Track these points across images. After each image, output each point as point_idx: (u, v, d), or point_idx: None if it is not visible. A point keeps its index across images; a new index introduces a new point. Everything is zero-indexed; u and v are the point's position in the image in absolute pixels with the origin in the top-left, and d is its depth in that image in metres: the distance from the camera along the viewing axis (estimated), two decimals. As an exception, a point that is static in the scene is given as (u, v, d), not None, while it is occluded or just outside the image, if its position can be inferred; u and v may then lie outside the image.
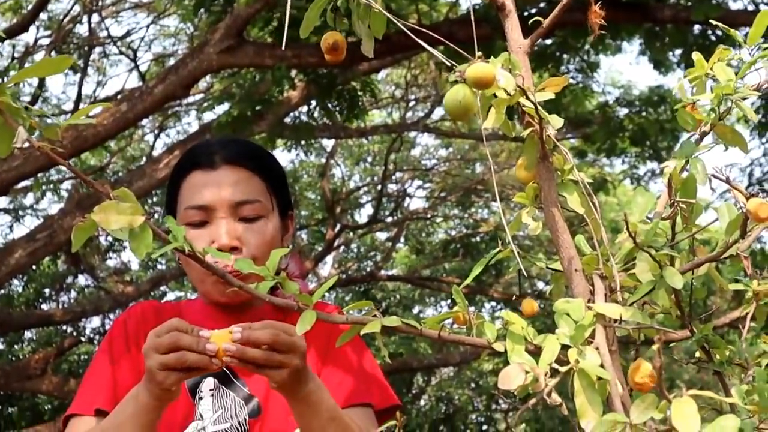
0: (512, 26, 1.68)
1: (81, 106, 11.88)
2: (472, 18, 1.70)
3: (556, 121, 1.63)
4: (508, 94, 1.55)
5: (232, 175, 2.20)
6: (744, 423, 1.67)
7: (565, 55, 9.95)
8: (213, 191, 2.18)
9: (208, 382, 2.17)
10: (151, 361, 1.80)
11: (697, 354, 1.97)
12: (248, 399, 2.16)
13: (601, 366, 1.46)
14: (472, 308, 1.68)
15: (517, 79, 1.55)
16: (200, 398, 2.16)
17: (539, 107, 1.56)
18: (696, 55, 1.83)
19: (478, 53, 1.52)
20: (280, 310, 2.20)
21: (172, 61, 12.88)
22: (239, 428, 2.13)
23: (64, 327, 14.90)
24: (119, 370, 2.16)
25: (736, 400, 1.57)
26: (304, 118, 11.09)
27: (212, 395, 2.16)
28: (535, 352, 1.55)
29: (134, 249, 1.43)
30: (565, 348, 1.51)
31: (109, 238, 14.63)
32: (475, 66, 1.52)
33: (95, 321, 14.93)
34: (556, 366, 1.47)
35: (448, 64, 1.55)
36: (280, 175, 2.31)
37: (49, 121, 1.42)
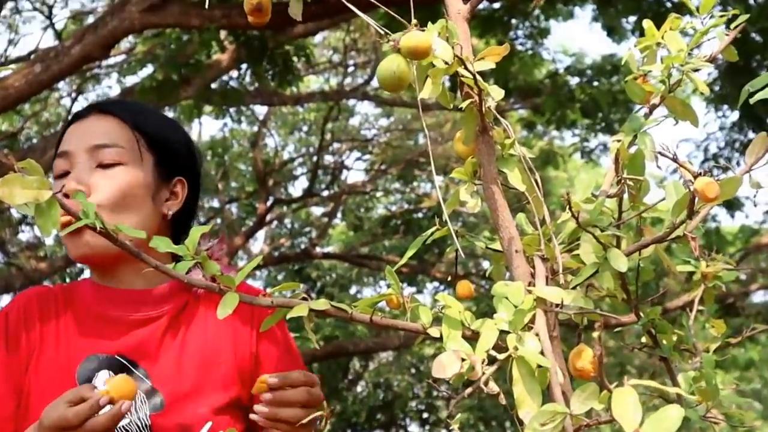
0: (451, -10, 1.68)
1: (-9, 67, 11.68)
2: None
3: (496, 93, 1.64)
4: (446, 64, 1.55)
5: (98, 122, 2.19)
6: (690, 412, 1.70)
7: (513, 20, 9.98)
8: (75, 137, 2.18)
9: (103, 375, 2.09)
10: (47, 421, 1.82)
11: (644, 339, 2.00)
12: (151, 393, 2.08)
13: (542, 353, 1.48)
14: (408, 290, 1.69)
15: (455, 48, 1.55)
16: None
17: (478, 78, 1.56)
18: (647, 23, 1.85)
19: (414, 21, 1.51)
20: (185, 289, 2.18)
21: (90, 19, 12.70)
22: (140, 424, 2.06)
23: (-28, 306, 14.70)
24: None
25: (681, 389, 1.59)
26: (234, 83, 11.02)
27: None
28: (473, 338, 1.55)
29: (41, 226, 1.41)
30: (504, 334, 1.52)
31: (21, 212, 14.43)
32: (410, 35, 1.52)
33: (5, 299, 14.74)
34: (494, 353, 1.48)
35: (382, 32, 1.54)
36: (168, 135, 2.26)
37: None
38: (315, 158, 16.04)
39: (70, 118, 2.26)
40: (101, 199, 2.10)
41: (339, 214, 17.78)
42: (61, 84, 13.07)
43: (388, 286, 1.69)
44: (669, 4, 8.54)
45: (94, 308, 2.14)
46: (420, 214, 16.24)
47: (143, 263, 1.55)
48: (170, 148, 2.25)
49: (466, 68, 1.56)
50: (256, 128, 16.28)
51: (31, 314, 2.14)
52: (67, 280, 13.85)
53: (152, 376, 2.10)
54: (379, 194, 17.93)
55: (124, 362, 2.09)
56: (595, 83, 11.29)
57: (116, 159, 2.15)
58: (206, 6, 1.94)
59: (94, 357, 2.06)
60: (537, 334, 1.51)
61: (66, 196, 1.95)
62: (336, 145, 16.80)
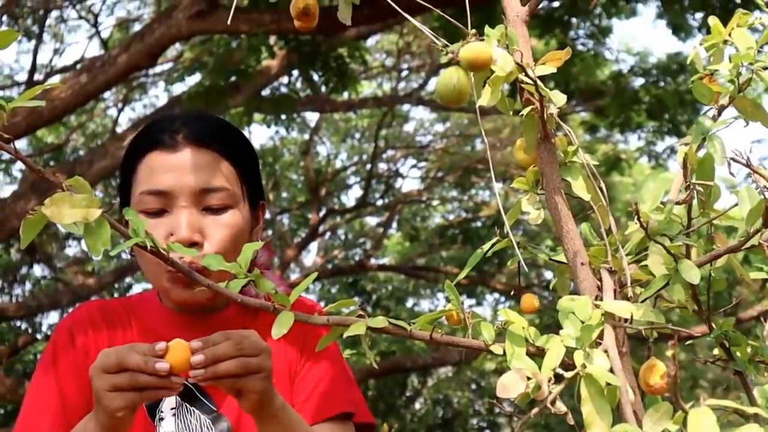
0: (509, -7, 1.68)
1: (36, 76, 11.83)
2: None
3: (558, 98, 1.63)
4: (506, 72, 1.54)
5: (197, 158, 2.12)
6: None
7: (574, 20, 9.94)
8: (174, 176, 2.10)
9: (169, 401, 2.10)
10: (99, 381, 1.77)
11: (717, 351, 1.98)
12: (217, 419, 2.10)
13: (611, 371, 1.47)
14: (468, 303, 1.68)
15: (515, 54, 1.55)
16: (161, 419, 2.11)
17: (539, 84, 1.56)
18: (713, 20, 1.83)
19: (472, 30, 1.51)
20: (249, 311, 2.18)
21: (137, 27, 12.84)
22: None
23: (18, 323, 14.88)
24: (66, 386, 2.10)
25: (760, 409, 1.57)
26: (284, 89, 11.06)
27: (174, 415, 2.11)
28: (538, 355, 1.55)
29: (90, 246, 1.42)
30: (570, 350, 1.51)
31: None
32: (469, 46, 1.51)
33: (53, 316, 14.92)
34: (560, 371, 1.47)
35: (439, 43, 1.54)
36: (251, 159, 2.24)
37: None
38: (369, 166, 16.06)
39: (146, 140, 2.18)
40: (219, 249, 2.08)
41: (394, 224, 17.79)
42: (106, 94, 13.22)
43: (447, 298, 1.69)
44: (738, 0, 8.45)
45: (161, 329, 2.13)
46: (478, 223, 16.20)
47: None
48: (255, 173, 2.24)
49: (526, 74, 1.55)
50: (307, 136, 16.34)
51: (98, 326, 2.16)
52: (116, 295, 13.98)
53: (217, 401, 2.12)
54: (435, 203, 17.92)
55: (190, 386, 2.10)
56: (661, 83, 11.20)
57: (226, 203, 2.12)
58: (256, 11, 1.95)
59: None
60: (606, 351, 1.49)
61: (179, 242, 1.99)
62: (390, 153, 16.81)
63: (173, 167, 2.11)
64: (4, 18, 11.92)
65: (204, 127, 2.17)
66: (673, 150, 13.27)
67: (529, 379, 1.45)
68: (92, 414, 1.85)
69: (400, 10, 1.62)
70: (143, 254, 1.74)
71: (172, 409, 2.11)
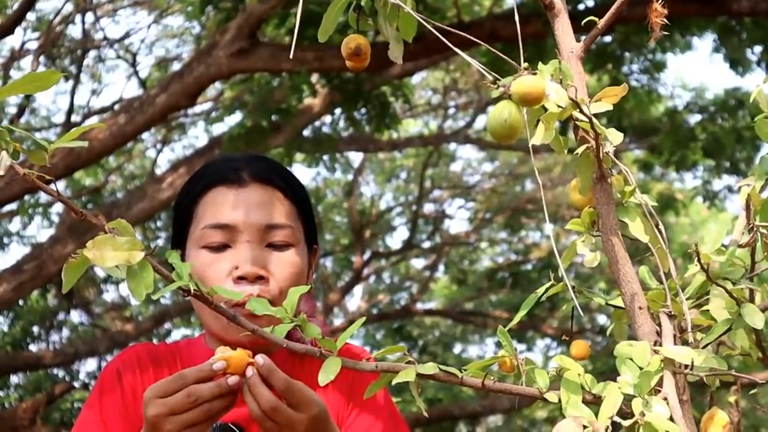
0: (563, 28, 1.68)
1: (73, 117, 11.97)
2: (516, 17, 1.71)
3: (615, 137, 1.63)
4: (560, 107, 1.54)
5: (263, 195, 2.19)
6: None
7: (627, 54, 9.92)
8: (240, 210, 2.16)
9: None
10: (169, 425, 1.81)
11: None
12: None
13: (671, 419, 1.46)
14: (518, 347, 1.68)
15: (569, 90, 1.55)
16: None
17: (595, 121, 1.56)
18: (776, 56, 1.82)
19: (524, 63, 1.51)
20: (296, 356, 2.20)
21: (176, 66, 12.97)
22: None
23: (55, 371, 14.96)
24: (112, 426, 2.14)
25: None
26: (326, 129, 11.12)
27: None
28: (595, 403, 1.54)
29: (133, 289, 1.44)
30: (628, 398, 1.50)
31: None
32: (521, 79, 1.51)
33: (90, 364, 14.99)
34: (618, 419, 1.47)
35: (490, 77, 1.54)
36: (308, 203, 2.30)
37: (35, 138, 1.43)
38: (414, 207, 16.07)
39: (210, 176, 2.24)
40: (282, 286, 2.13)
41: (441, 267, 17.76)
42: (145, 135, 13.34)
43: (496, 344, 1.69)
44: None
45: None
46: (528, 266, 16.15)
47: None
48: (311, 215, 2.30)
49: (581, 111, 1.55)
50: (351, 176, 16.39)
51: (145, 368, 2.19)
52: (155, 341, 14.02)
53: None
54: (483, 245, 17.88)
55: (233, 428, 2.13)
56: (718, 120, 11.14)
57: (288, 240, 2.18)
58: (298, 49, 1.97)
59: None
60: (665, 398, 1.49)
61: (241, 278, 2.09)
62: (437, 193, 16.82)
63: (239, 202, 2.18)
64: (42, 58, 12.08)
65: (267, 166, 2.25)
66: (730, 189, 13.20)
67: (585, 427, 1.44)
68: None
69: (449, 44, 1.63)
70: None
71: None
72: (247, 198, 2.18)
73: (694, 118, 11.49)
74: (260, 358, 1.79)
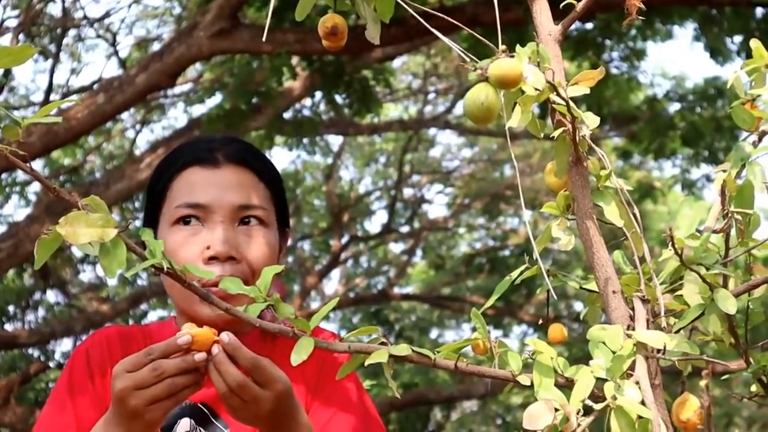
0: (541, 10, 1.68)
1: (53, 97, 11.91)
2: (496, 2, 1.70)
3: (591, 120, 1.63)
4: (537, 91, 1.54)
5: (237, 176, 2.21)
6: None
7: (607, 41, 9.93)
8: (214, 191, 2.18)
9: (184, 423, 2.15)
10: (134, 400, 1.81)
11: (754, 387, 1.96)
12: None
13: (642, 403, 1.46)
14: (495, 334, 1.68)
15: (546, 73, 1.55)
16: None
17: (572, 105, 1.55)
18: (754, 43, 1.82)
19: (502, 46, 1.51)
20: (268, 336, 2.22)
21: (156, 47, 12.91)
22: None
23: (31, 350, 14.92)
24: (82, 408, 2.14)
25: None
26: (307, 112, 11.10)
27: None
28: (567, 386, 1.54)
29: (105, 266, 1.43)
30: (600, 382, 1.51)
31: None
32: (498, 62, 1.51)
33: (66, 344, 14.95)
34: (590, 403, 1.47)
35: (468, 59, 1.54)
36: (281, 186, 2.32)
37: (10, 114, 1.42)
38: (393, 192, 16.08)
39: (184, 156, 2.26)
40: (253, 266, 2.15)
41: (419, 252, 17.77)
42: (124, 115, 13.28)
43: (473, 329, 1.69)
44: (779, 22, 8.45)
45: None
46: (506, 252, 16.18)
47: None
48: (284, 199, 2.32)
49: (558, 95, 1.55)
50: (330, 160, 16.37)
51: (115, 350, 2.20)
52: (131, 322, 14.00)
53: (231, 426, 2.15)
54: (462, 230, 17.90)
55: (206, 411, 2.16)
56: (698, 109, 11.16)
57: (259, 221, 2.20)
58: (279, 31, 1.96)
59: None
60: (637, 382, 1.49)
61: (213, 258, 2.11)
62: (416, 178, 16.83)
63: (213, 183, 2.20)
64: (21, 36, 12.01)
65: (241, 148, 2.28)
66: (708, 178, 13.25)
67: (557, 410, 1.44)
68: (114, 427, 1.88)
69: (429, 26, 1.62)
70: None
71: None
72: (221, 179, 2.20)
73: (674, 107, 11.51)
74: (225, 336, 1.79)
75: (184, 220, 2.17)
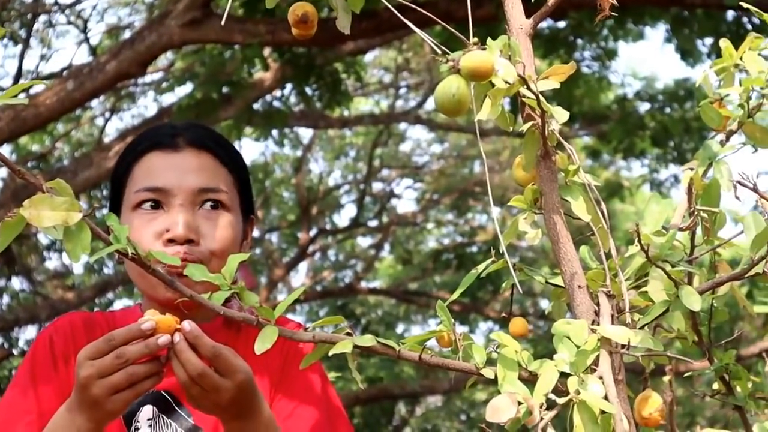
0: (513, 4, 1.68)
1: (21, 82, 11.82)
2: (468, -2, 1.70)
3: (560, 115, 1.63)
4: (507, 84, 1.54)
5: (197, 160, 2.21)
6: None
7: (579, 41, 9.96)
8: (174, 174, 2.18)
9: (147, 411, 2.15)
10: (97, 389, 1.80)
11: (716, 386, 1.97)
12: (192, 431, 2.14)
13: (605, 398, 1.46)
14: (461, 328, 1.68)
15: (517, 66, 1.55)
16: (136, 429, 2.15)
17: (541, 98, 1.55)
18: (724, 43, 1.83)
19: (474, 39, 1.51)
20: (233, 326, 2.22)
21: (127, 34, 12.84)
22: None
23: (-6, 337, 14.83)
24: (44, 394, 2.14)
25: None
26: (277, 103, 11.06)
27: (150, 426, 2.14)
28: (531, 380, 1.54)
29: (69, 250, 1.42)
30: (564, 376, 1.51)
31: (49, 236, 14.52)
32: (471, 54, 1.51)
33: (30, 331, 14.87)
34: (553, 397, 1.47)
35: (440, 51, 1.54)
36: (245, 172, 2.32)
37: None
38: (362, 186, 16.06)
39: (145, 141, 2.26)
40: (214, 248, 2.16)
41: (387, 247, 17.78)
42: (94, 102, 13.21)
43: (439, 323, 1.68)
44: (750, 26, 8.48)
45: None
46: (474, 248, 16.18)
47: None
48: (249, 186, 2.32)
49: (528, 88, 1.55)
50: (299, 153, 16.34)
51: (79, 336, 2.19)
52: (96, 310, 13.92)
53: (195, 414, 2.15)
54: (430, 226, 17.91)
55: (169, 399, 2.16)
56: (667, 110, 11.21)
57: (221, 205, 2.20)
58: (251, 21, 1.95)
59: None
60: (601, 377, 1.49)
61: (171, 240, 2.10)
62: (385, 172, 16.82)
63: (173, 166, 2.20)
64: (-9, 21, 11.92)
65: (203, 133, 2.28)
66: (676, 179, 13.30)
67: (520, 404, 1.44)
68: (77, 414, 1.88)
69: (404, 19, 1.62)
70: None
71: (148, 420, 2.15)
72: (181, 162, 2.20)
73: (644, 107, 11.56)
74: (187, 324, 1.79)
75: (144, 205, 2.17)
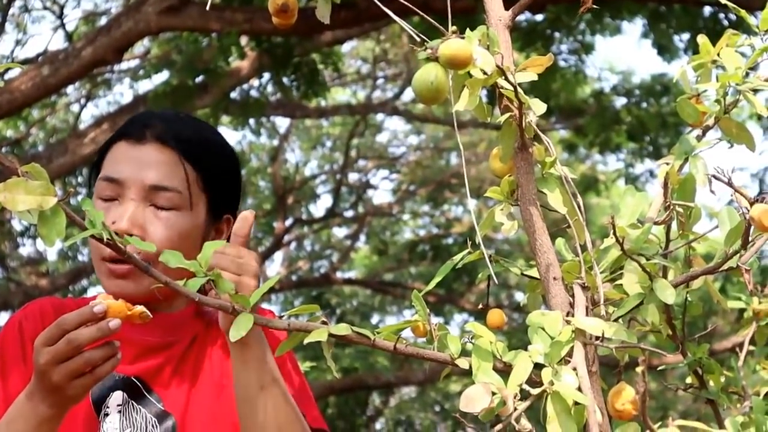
0: (492, -5, 1.68)
1: (-4, 67, 11.75)
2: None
3: (538, 106, 1.63)
4: (485, 74, 1.55)
5: (158, 155, 2.18)
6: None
7: (557, 34, 9.98)
8: (131, 167, 2.16)
9: (116, 397, 2.14)
10: (56, 375, 1.80)
11: (690, 379, 1.99)
12: (162, 416, 2.14)
13: (579, 389, 1.47)
14: (436, 319, 1.68)
15: (495, 57, 1.55)
16: (106, 414, 2.14)
17: (519, 90, 1.56)
18: (702, 39, 1.84)
19: (453, 27, 1.51)
20: (204, 316, 2.23)
21: (103, 21, 12.79)
22: None
23: (-33, 323, 14.76)
24: (12, 379, 2.12)
25: (729, 433, 1.58)
26: (254, 92, 11.05)
27: (120, 411, 2.13)
28: (505, 371, 1.55)
29: (44, 235, 1.41)
30: (538, 367, 1.51)
31: (24, 222, 14.47)
32: (449, 42, 1.52)
33: (3, 317, 14.81)
34: (527, 387, 1.48)
35: (419, 39, 1.54)
36: (224, 171, 2.28)
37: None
38: (338, 176, 16.06)
39: (119, 130, 2.25)
40: (156, 245, 2.08)
41: (362, 237, 17.78)
42: (69, 89, 13.15)
43: (414, 314, 1.68)
44: (727, 22, 8.52)
45: None
46: (450, 240, 16.22)
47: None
48: (223, 186, 2.28)
49: (506, 79, 1.56)
50: (276, 142, 16.31)
51: (49, 323, 2.16)
52: (70, 296, 13.86)
53: (165, 400, 2.15)
54: (406, 217, 17.92)
55: (139, 384, 2.16)
56: (643, 104, 11.25)
57: (171, 204, 2.16)
58: (229, 9, 1.95)
59: (110, 376, 2.07)
60: (574, 369, 1.50)
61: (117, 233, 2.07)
62: (362, 163, 16.82)
63: (133, 159, 2.17)
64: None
65: (176, 128, 2.23)
66: (652, 174, 13.36)
67: (494, 394, 1.45)
68: (38, 400, 1.87)
69: (384, 8, 1.62)
70: (90, 244, 1.76)
71: (118, 405, 2.15)
72: (142, 156, 2.18)
73: (620, 102, 11.59)
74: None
75: (103, 194, 2.16)
